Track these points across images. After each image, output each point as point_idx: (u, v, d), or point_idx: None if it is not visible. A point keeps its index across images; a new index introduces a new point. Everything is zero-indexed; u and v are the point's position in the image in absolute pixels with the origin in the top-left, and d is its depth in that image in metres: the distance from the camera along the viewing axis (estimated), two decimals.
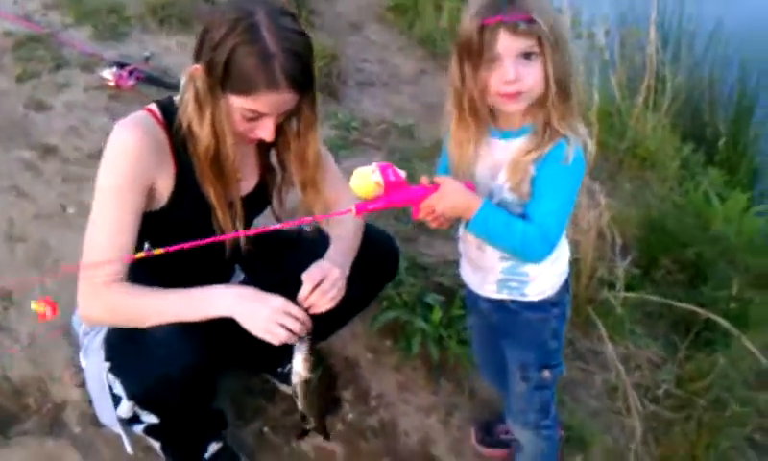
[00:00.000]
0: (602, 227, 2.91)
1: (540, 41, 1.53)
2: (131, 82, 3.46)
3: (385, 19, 5.34)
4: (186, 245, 1.58)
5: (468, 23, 1.57)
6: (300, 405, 1.81)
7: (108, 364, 1.80)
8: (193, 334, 1.69)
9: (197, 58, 1.64)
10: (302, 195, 1.91)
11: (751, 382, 2.93)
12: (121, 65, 3.53)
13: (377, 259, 2.08)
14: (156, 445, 2.01)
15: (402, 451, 2.36)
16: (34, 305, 1.61)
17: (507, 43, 1.53)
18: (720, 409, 2.72)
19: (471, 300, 2.04)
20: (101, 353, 1.83)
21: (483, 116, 1.68)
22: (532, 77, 1.56)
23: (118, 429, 1.90)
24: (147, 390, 1.74)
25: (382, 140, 3.75)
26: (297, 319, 1.68)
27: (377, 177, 1.60)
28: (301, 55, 1.61)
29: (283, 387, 2.39)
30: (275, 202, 1.99)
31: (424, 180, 1.65)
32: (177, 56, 3.83)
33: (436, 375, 2.59)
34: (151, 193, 1.75)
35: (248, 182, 1.93)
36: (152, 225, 1.77)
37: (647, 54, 3.81)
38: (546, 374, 1.94)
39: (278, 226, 1.74)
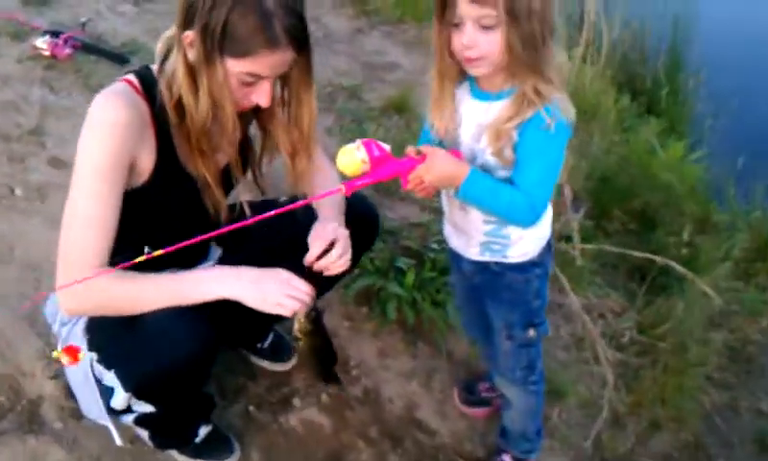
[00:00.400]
0: None
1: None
2: (67, 50, 3.27)
3: None
4: (189, 242, 1.51)
5: None
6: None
7: (94, 355, 1.71)
8: (194, 319, 1.61)
9: (186, 24, 1.53)
10: (291, 162, 1.83)
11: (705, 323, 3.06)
12: (55, 34, 3.32)
13: (360, 221, 2.03)
14: (145, 434, 1.94)
15: (389, 418, 2.36)
16: (56, 354, 1.55)
17: (466, 9, 1.52)
18: (682, 352, 2.82)
19: (455, 260, 2.03)
20: (84, 344, 1.73)
21: (454, 75, 1.67)
22: (489, 45, 1.54)
23: (106, 422, 1.82)
24: (150, 381, 1.67)
25: (331, 103, 3.69)
26: (302, 289, 1.64)
27: (362, 154, 1.58)
28: (298, 11, 1.55)
29: (264, 363, 2.36)
30: (256, 172, 1.93)
31: (411, 150, 1.63)
32: (108, 21, 3.66)
33: (413, 338, 2.60)
34: (132, 169, 1.65)
35: (224, 155, 1.85)
36: (132, 202, 1.66)
37: (585, 9, 3.85)
38: (531, 332, 1.96)
39: (279, 211, 1.66)
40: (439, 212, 2.94)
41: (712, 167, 3.78)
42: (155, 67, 1.67)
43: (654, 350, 2.84)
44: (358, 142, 1.60)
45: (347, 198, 1.90)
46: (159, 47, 1.67)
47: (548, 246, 1.91)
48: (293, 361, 2.39)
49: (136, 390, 1.69)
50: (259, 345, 2.35)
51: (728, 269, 3.27)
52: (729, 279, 3.28)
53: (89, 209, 1.59)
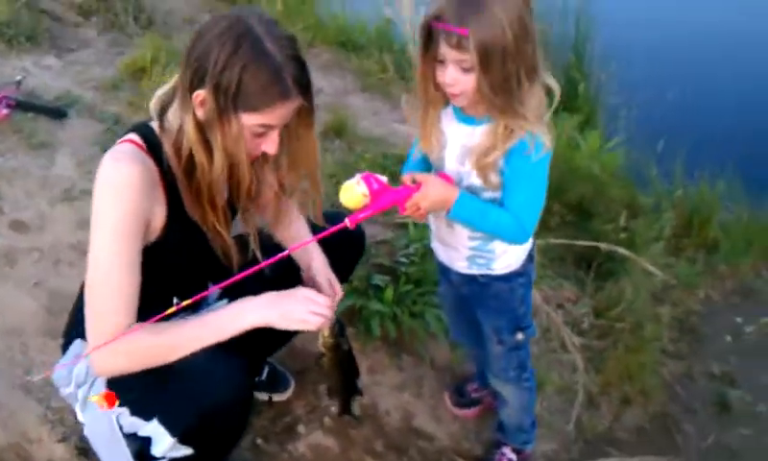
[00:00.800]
0: None
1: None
2: (3, 111, 3.21)
3: (216, 10, 5.22)
4: (213, 288, 1.59)
5: (424, 19, 1.65)
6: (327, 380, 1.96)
7: (124, 410, 1.75)
8: (228, 357, 1.67)
9: (196, 84, 1.58)
10: (290, 196, 1.94)
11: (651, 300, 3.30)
12: None
13: (348, 239, 2.13)
14: None
15: (390, 431, 2.46)
16: (94, 398, 1.60)
17: (446, 50, 1.62)
18: (637, 330, 3.03)
19: (443, 272, 2.15)
20: None
21: (439, 103, 1.79)
22: (467, 84, 1.64)
23: None
24: (197, 424, 1.71)
25: None
26: (322, 303, 1.72)
27: (363, 188, 1.70)
28: (302, 59, 1.63)
29: (263, 396, 2.42)
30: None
31: (407, 178, 1.76)
32: (37, 77, 3.61)
33: (397, 351, 2.71)
34: (147, 227, 1.69)
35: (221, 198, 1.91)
36: (146, 259, 1.71)
37: None
38: (519, 336, 2.10)
39: (288, 251, 1.76)
40: (401, 228, 3.08)
41: (632, 153, 4.02)
42: (154, 125, 1.71)
43: (612, 331, 3.04)
44: (358, 177, 1.72)
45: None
46: (154, 104, 1.71)
47: (530, 257, 2.04)
48: (291, 390, 2.46)
49: (183, 434, 1.73)
50: (257, 378, 2.40)
51: (661, 247, 3.51)
52: (663, 256, 3.53)
53: (113, 271, 1.62)
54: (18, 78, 3.37)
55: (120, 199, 1.61)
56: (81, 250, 2.71)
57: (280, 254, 1.70)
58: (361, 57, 4.89)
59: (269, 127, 1.64)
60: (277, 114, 1.61)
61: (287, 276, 1.88)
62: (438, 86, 1.71)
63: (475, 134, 1.76)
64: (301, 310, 1.70)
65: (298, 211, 2.07)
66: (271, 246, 1.89)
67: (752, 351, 3.24)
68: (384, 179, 1.73)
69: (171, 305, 1.64)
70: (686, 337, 3.24)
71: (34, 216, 2.84)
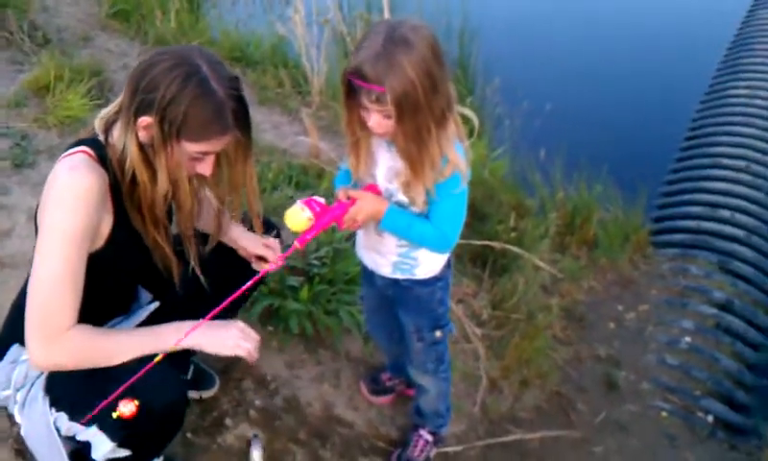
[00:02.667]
0: None
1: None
2: None
3: (110, 27, 5.26)
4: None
5: (343, 73, 1.79)
6: None
7: (62, 414, 1.83)
8: (167, 367, 1.77)
9: (142, 111, 1.69)
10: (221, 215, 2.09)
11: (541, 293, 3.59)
12: None
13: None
14: None
15: (312, 420, 2.61)
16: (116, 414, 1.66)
17: (366, 103, 1.77)
18: (530, 319, 3.30)
19: (367, 275, 2.33)
20: (46, 403, 1.85)
21: (367, 135, 1.91)
22: (390, 127, 1.79)
23: None
24: (137, 430, 1.79)
25: None
26: (253, 336, 1.89)
27: (307, 213, 1.89)
28: (242, 97, 1.77)
29: (191, 394, 2.51)
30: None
31: (341, 195, 1.94)
32: None
33: (314, 346, 2.86)
34: (94, 233, 1.78)
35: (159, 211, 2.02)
36: (88, 264, 1.79)
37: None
38: (438, 333, 2.29)
39: (268, 268, 1.98)
40: None
41: (517, 160, 4.33)
42: (101, 138, 1.80)
43: (508, 321, 3.29)
44: (300, 203, 1.91)
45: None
46: (98, 124, 1.81)
47: (448, 263, 2.23)
48: (216, 387, 2.57)
49: (124, 440, 1.81)
50: (183, 377, 2.51)
51: (548, 244, 3.81)
52: (550, 252, 3.83)
53: (61, 272, 1.70)
54: None
55: (76, 207, 1.69)
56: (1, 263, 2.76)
57: (252, 280, 1.89)
58: (257, 72, 5.02)
59: (206, 153, 1.77)
60: (215, 144, 1.75)
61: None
62: (364, 126, 1.85)
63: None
64: (235, 338, 1.85)
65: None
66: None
67: (632, 336, 3.57)
68: (322, 200, 1.92)
69: (103, 309, 1.81)
70: (574, 325, 3.55)
71: None
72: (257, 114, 4.47)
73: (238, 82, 1.78)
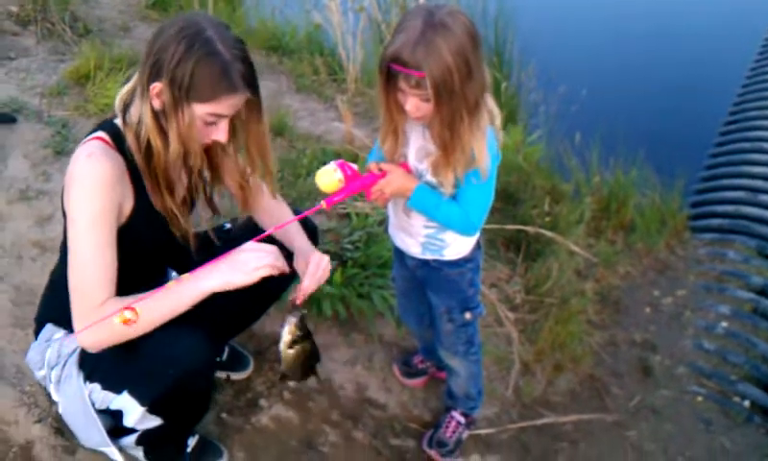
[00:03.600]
0: None
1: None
2: None
3: (149, 17, 5.34)
4: (216, 259, 1.77)
5: (383, 56, 1.80)
6: (282, 367, 2.04)
7: (96, 385, 1.91)
8: (191, 329, 1.83)
9: (154, 77, 1.74)
10: (240, 193, 2.10)
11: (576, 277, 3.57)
12: None
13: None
14: (140, 453, 2.13)
15: (345, 402, 2.65)
16: (119, 318, 1.66)
17: (405, 87, 1.79)
18: (564, 304, 3.29)
19: (398, 256, 2.35)
20: (80, 379, 1.92)
21: (402, 118, 1.93)
22: (428, 110, 1.81)
23: (107, 447, 2.00)
24: (164, 392, 1.86)
25: None
26: (267, 249, 1.87)
27: (339, 174, 1.91)
28: (249, 59, 1.80)
29: (225, 374, 2.57)
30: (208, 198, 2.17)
31: (373, 167, 1.96)
32: None
33: (347, 330, 2.90)
34: (119, 213, 1.85)
35: (181, 186, 2.08)
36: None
37: None
38: (468, 315, 2.31)
39: (272, 230, 1.96)
40: (345, 218, 3.28)
41: (552, 145, 4.31)
42: (118, 121, 1.86)
43: (542, 306, 3.29)
44: (334, 164, 1.93)
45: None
46: (117, 103, 1.87)
47: (478, 245, 2.24)
48: (250, 368, 2.62)
49: (152, 403, 1.88)
50: (219, 359, 2.56)
51: (582, 229, 3.79)
52: (585, 237, 3.82)
53: (92, 253, 1.78)
54: None
55: (96, 192, 1.77)
56: (41, 246, 2.83)
57: (259, 236, 1.87)
58: (293, 60, 5.06)
59: (219, 116, 1.80)
60: (225, 105, 1.78)
61: None
62: (401, 110, 1.87)
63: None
64: (252, 261, 1.83)
65: (278, 198, 2.24)
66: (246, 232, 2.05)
67: (669, 321, 3.53)
68: (355, 166, 1.94)
69: (133, 287, 1.80)
70: (609, 309, 3.52)
71: None
72: (294, 102, 4.52)
73: (243, 44, 1.81)
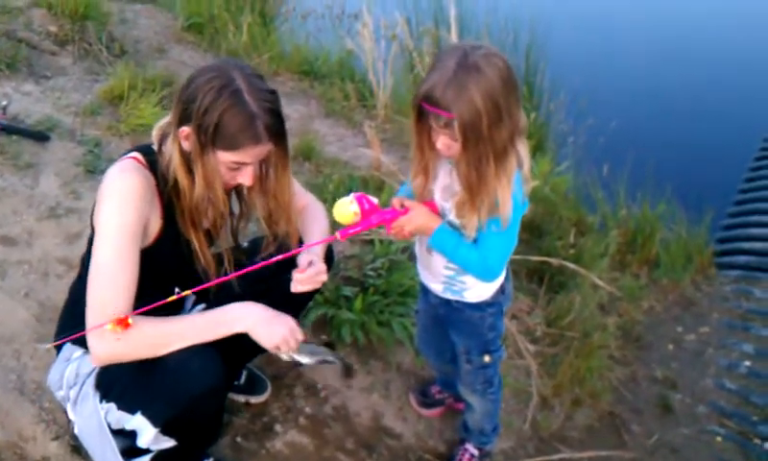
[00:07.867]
0: None
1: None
2: None
3: (184, 40, 5.44)
4: (214, 282, 1.80)
5: (416, 94, 1.81)
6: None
7: (111, 405, 1.93)
8: (206, 354, 1.86)
9: (183, 121, 1.82)
10: (268, 226, 2.12)
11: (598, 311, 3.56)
12: None
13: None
14: None
15: (360, 430, 2.65)
16: (110, 327, 1.73)
17: (435, 126, 1.81)
18: (586, 338, 3.28)
19: (423, 291, 2.36)
20: (96, 399, 1.95)
21: (434, 156, 1.94)
22: (457, 149, 1.80)
23: None
24: (176, 414, 1.88)
25: None
26: (298, 338, 1.95)
27: (355, 207, 1.94)
28: (276, 110, 1.85)
29: (242, 398, 2.60)
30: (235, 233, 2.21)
31: (396, 202, 1.98)
32: (18, 102, 3.76)
33: (365, 357, 2.91)
34: (144, 231, 1.89)
35: (207, 221, 2.11)
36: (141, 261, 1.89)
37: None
38: (487, 358, 2.30)
39: (275, 258, 1.96)
40: (368, 244, 3.30)
41: (580, 176, 4.31)
42: (154, 147, 1.94)
43: (563, 339, 3.28)
44: (352, 196, 1.95)
45: None
46: (155, 134, 1.95)
47: (502, 290, 2.22)
48: (268, 393, 2.64)
49: (165, 424, 1.90)
50: (236, 382, 2.59)
51: (607, 263, 3.78)
52: (609, 271, 3.81)
53: (115, 264, 1.82)
54: (4, 103, 3.49)
55: (124, 204, 1.83)
56: (68, 263, 2.87)
57: (271, 260, 1.93)
58: (324, 85, 5.12)
59: (242, 163, 1.86)
60: (249, 154, 1.84)
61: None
62: (432, 147, 1.88)
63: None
64: (284, 335, 1.92)
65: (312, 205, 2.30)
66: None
67: (691, 358, 3.51)
68: (375, 200, 1.96)
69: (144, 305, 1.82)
70: (631, 345, 3.51)
71: (21, 232, 2.98)
72: (323, 126, 4.57)
73: (274, 95, 1.86)
